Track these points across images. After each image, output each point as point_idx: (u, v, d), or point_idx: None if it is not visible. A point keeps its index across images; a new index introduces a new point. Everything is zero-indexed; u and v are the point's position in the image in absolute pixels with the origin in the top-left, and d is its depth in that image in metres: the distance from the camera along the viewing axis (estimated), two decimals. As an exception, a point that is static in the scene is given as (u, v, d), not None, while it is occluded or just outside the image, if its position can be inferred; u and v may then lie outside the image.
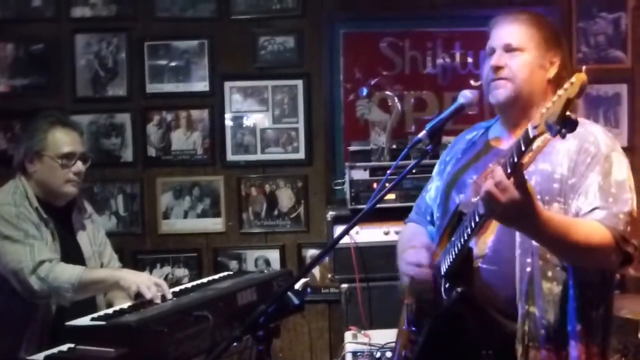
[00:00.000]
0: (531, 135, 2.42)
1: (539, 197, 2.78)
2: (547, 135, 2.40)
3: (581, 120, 2.90)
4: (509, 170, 2.51)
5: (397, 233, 4.47)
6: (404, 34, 6.05)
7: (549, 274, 2.85)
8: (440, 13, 5.99)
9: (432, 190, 3.36)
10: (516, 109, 3.04)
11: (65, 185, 4.04)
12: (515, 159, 2.48)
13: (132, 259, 5.92)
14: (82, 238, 4.20)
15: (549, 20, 3.14)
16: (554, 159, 2.87)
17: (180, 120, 6.00)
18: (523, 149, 2.46)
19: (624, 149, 5.65)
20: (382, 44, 6.04)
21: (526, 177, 2.72)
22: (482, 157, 3.09)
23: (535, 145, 2.49)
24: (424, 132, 2.95)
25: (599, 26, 6.05)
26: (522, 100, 3.02)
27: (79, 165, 4.07)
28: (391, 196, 4.76)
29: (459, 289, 2.84)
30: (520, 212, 2.55)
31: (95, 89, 6.00)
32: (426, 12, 6.01)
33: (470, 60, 5.92)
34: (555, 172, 2.86)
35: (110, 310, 3.29)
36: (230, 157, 6.02)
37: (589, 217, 2.78)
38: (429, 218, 3.36)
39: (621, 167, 2.87)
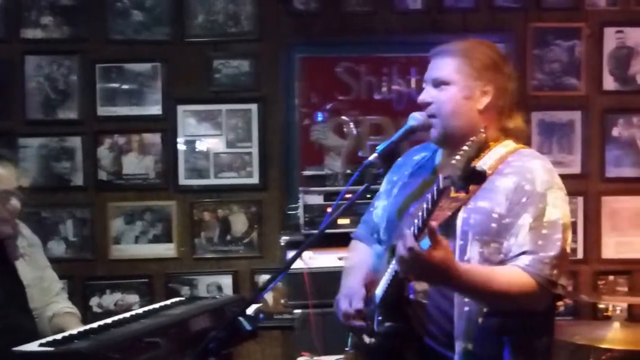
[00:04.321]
0: (441, 187, 2.46)
1: (477, 237, 2.83)
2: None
3: (524, 152, 2.98)
4: (419, 229, 2.56)
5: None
6: (360, 59, 6.09)
7: (486, 311, 2.85)
8: (397, 38, 6.04)
9: (379, 208, 3.34)
10: (452, 144, 3.00)
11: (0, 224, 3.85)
12: (425, 216, 2.54)
13: (82, 285, 5.90)
14: (21, 266, 4.03)
15: (489, 48, 3.07)
16: (493, 196, 2.85)
17: (132, 144, 5.98)
18: (435, 198, 2.51)
19: (577, 177, 5.80)
20: (338, 68, 6.07)
21: (465, 214, 2.82)
22: (427, 185, 3.01)
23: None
24: (374, 155, 2.96)
25: (554, 53, 6.13)
26: (453, 135, 3.00)
27: (14, 204, 3.87)
28: (345, 221, 4.73)
29: (387, 324, 2.90)
30: (435, 272, 2.60)
31: (46, 111, 5.97)
32: (382, 38, 6.05)
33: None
34: (494, 210, 2.84)
35: (59, 336, 3.25)
36: (183, 181, 6.01)
37: (515, 262, 2.79)
38: (375, 235, 3.36)
39: (556, 206, 2.85)
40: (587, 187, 6.10)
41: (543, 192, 2.85)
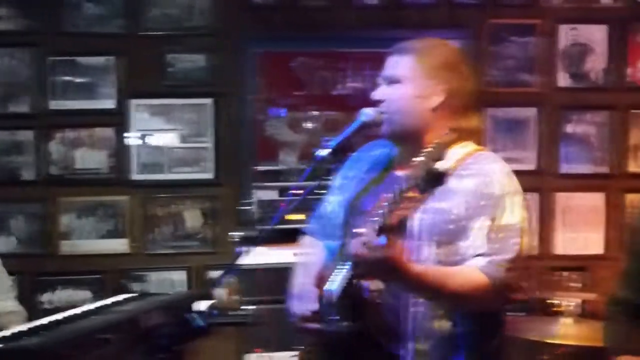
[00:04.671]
0: (404, 187, 2.45)
1: (433, 238, 2.84)
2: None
3: (484, 155, 2.98)
4: (378, 227, 2.54)
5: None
6: (316, 54, 6.08)
7: (439, 312, 2.86)
8: (354, 34, 6.03)
9: (333, 203, 3.33)
10: (403, 141, 3.04)
11: None
12: (385, 216, 2.52)
13: (32, 281, 5.83)
14: None
15: (446, 48, 3.08)
16: (451, 198, 2.85)
17: (85, 138, 5.92)
18: (397, 198, 2.49)
19: (532, 173, 5.83)
20: (294, 63, 6.06)
21: (422, 214, 2.82)
22: (384, 182, 3.08)
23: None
24: (326, 150, 2.97)
25: (510, 50, 6.15)
26: (403, 133, 3.01)
27: None
28: (299, 216, 4.72)
29: (343, 324, 2.88)
30: (389, 270, 2.59)
31: (-3, 104, 5.87)
32: (339, 33, 6.04)
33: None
34: (452, 212, 2.85)
35: (7, 332, 3.20)
36: (136, 176, 5.96)
37: (470, 264, 2.81)
38: (328, 231, 3.33)
39: (514, 210, 2.86)
40: (542, 184, 6.13)
41: (501, 195, 2.86)
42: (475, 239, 2.83)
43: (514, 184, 2.94)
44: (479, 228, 2.83)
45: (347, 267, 2.82)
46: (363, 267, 2.65)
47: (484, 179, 2.88)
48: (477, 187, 2.86)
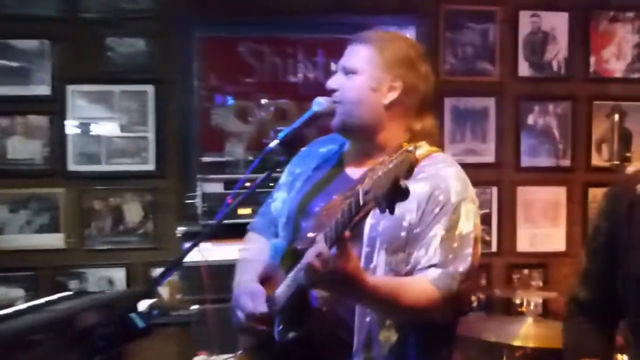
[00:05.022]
0: (361, 202, 2.39)
1: (384, 245, 2.81)
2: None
3: (438, 157, 2.95)
4: (333, 239, 2.51)
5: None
6: (264, 40, 6.06)
7: (387, 322, 2.85)
8: (303, 18, 6.01)
9: (279, 200, 3.31)
10: (353, 134, 3.04)
11: None
12: (339, 229, 2.48)
13: (-39, 278, 5.73)
14: None
15: (407, 44, 3.07)
16: (404, 204, 2.68)
17: (17, 127, 5.83)
18: (353, 213, 2.44)
19: (491, 166, 5.88)
20: (241, 49, 6.03)
21: (373, 220, 2.79)
22: (333, 181, 3.06)
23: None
24: (275, 141, 2.94)
25: (467, 37, 6.18)
26: (354, 126, 3.00)
27: None
28: (246, 211, 4.68)
29: (290, 334, 2.87)
30: (342, 283, 2.55)
31: None
32: (288, 17, 6.01)
33: (334, 68, 5.86)
34: (405, 219, 2.82)
35: None
36: (72, 167, 5.89)
37: (423, 275, 2.78)
38: (273, 229, 3.32)
39: (469, 219, 2.85)
40: (501, 177, 6.18)
41: (457, 203, 2.84)
42: (429, 249, 2.80)
43: (470, 190, 2.93)
44: (433, 237, 2.81)
45: (297, 275, 2.79)
46: (315, 279, 2.60)
47: (439, 184, 2.85)
48: (432, 193, 2.84)
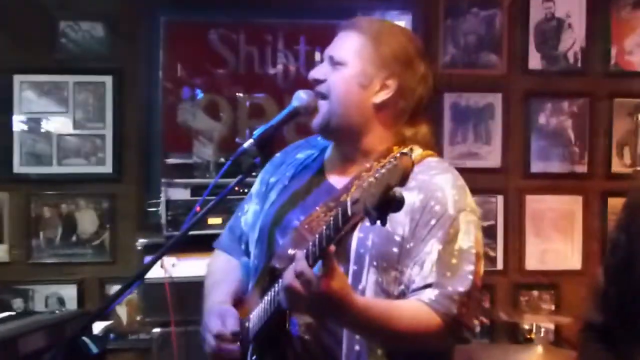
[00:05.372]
0: (349, 213, 2.33)
1: (374, 262, 2.77)
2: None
3: (432, 163, 2.92)
4: (316, 255, 2.46)
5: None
6: (238, 26, 6.03)
7: (379, 352, 2.80)
8: (283, 2, 6.02)
9: (250, 213, 3.26)
10: (339, 139, 3.00)
11: None
12: (325, 243, 2.43)
13: None
14: None
15: (407, 38, 3.01)
16: (395, 216, 2.67)
17: (-46, 122, 5.83)
18: (340, 225, 2.38)
19: (496, 171, 5.83)
20: (212, 36, 6.00)
21: (361, 234, 2.75)
22: (314, 190, 3.02)
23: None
24: (250, 141, 2.88)
25: (470, 24, 6.15)
26: (339, 125, 2.94)
27: None
28: (217, 220, 4.67)
29: None
30: (327, 306, 2.51)
31: None
32: (265, 0, 6.01)
33: (318, 57, 5.88)
34: (396, 232, 2.79)
35: None
36: (18, 169, 5.86)
37: (418, 297, 2.74)
38: (243, 246, 3.28)
39: (469, 232, 2.82)
40: (508, 184, 6.15)
41: (455, 215, 2.82)
42: (424, 266, 2.77)
43: (469, 199, 2.90)
44: (428, 253, 2.77)
45: (273, 297, 2.77)
46: (294, 302, 2.56)
47: (434, 193, 2.83)
48: (426, 203, 2.81)
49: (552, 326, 5.20)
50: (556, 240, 6.14)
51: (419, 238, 2.78)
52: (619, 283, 2.81)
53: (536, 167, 6.15)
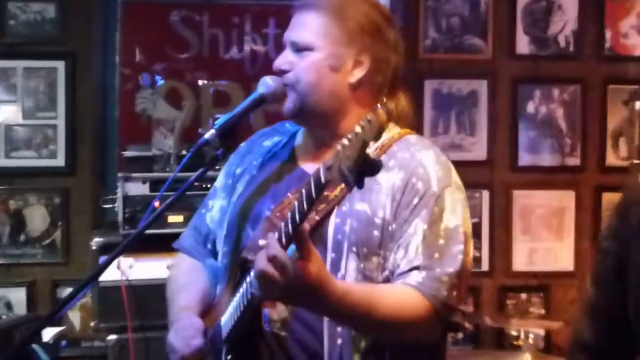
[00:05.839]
0: (323, 180, 2.33)
1: (354, 249, 2.77)
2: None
3: (412, 140, 2.94)
4: (289, 235, 2.45)
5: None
6: (201, 6, 6.05)
7: (362, 344, 2.80)
8: (251, -20, 6.03)
9: (215, 209, 3.24)
10: (313, 125, 3.00)
11: None
12: (297, 220, 2.42)
13: None
14: None
15: (370, 6, 3.00)
16: (374, 197, 2.79)
17: None
18: (314, 196, 2.38)
19: (481, 164, 5.87)
20: (173, 17, 6.01)
21: (337, 219, 2.75)
22: (285, 177, 3.01)
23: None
24: (212, 131, 2.86)
25: (453, 5, 6.18)
26: (313, 111, 2.94)
27: None
28: (179, 218, 4.70)
29: None
30: (305, 292, 2.50)
31: None
32: (232, -22, 6.03)
33: None
34: (376, 214, 2.79)
35: None
36: (-39, 162, 5.88)
37: (404, 280, 2.74)
38: (209, 246, 3.25)
39: (455, 209, 2.83)
40: (494, 178, 6.19)
41: (439, 192, 2.82)
42: (409, 248, 2.77)
43: (454, 176, 2.91)
44: (413, 234, 2.77)
45: (245, 291, 2.75)
46: (269, 290, 2.53)
47: (416, 170, 2.83)
48: (407, 181, 2.82)
49: (541, 332, 5.22)
50: (546, 238, 6.17)
51: (401, 219, 2.78)
52: (609, 293, 2.82)
53: (524, 159, 6.19)
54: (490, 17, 6.16)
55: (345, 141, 2.24)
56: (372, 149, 2.26)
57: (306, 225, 2.46)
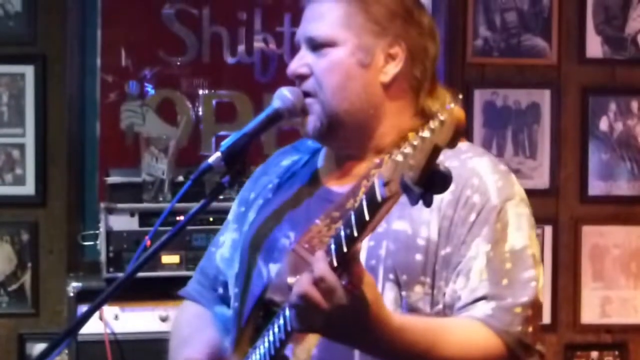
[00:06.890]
0: (379, 198, 2.26)
1: (391, 276, 2.76)
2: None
3: (462, 147, 2.83)
4: (338, 257, 2.39)
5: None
6: (201, 0, 6.08)
7: None
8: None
9: (227, 245, 3.23)
10: (343, 142, 2.96)
11: None
12: (345, 247, 2.36)
13: None
14: None
15: None
16: (416, 214, 2.75)
17: None
18: (367, 218, 2.32)
19: (543, 194, 5.89)
20: (167, 12, 6.06)
21: (372, 243, 2.73)
22: (306, 200, 3.00)
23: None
24: (217, 154, 2.82)
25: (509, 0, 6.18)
26: (345, 128, 2.92)
27: None
28: (173, 259, 4.72)
29: None
30: (354, 324, 2.47)
31: None
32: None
33: None
34: (419, 234, 2.77)
35: None
36: None
37: (469, 314, 2.73)
38: (221, 291, 3.25)
39: (521, 226, 2.81)
40: (559, 211, 6.20)
41: (500, 205, 2.79)
42: (471, 275, 2.74)
43: (516, 186, 2.89)
44: (474, 258, 2.75)
45: (279, 328, 2.69)
46: (309, 318, 2.47)
47: (470, 181, 2.80)
48: (460, 195, 2.78)
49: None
50: (623, 285, 6.16)
51: (457, 240, 2.76)
52: None
53: (596, 188, 6.19)
54: (554, 13, 6.17)
55: (407, 148, 2.19)
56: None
57: (359, 247, 2.39)
